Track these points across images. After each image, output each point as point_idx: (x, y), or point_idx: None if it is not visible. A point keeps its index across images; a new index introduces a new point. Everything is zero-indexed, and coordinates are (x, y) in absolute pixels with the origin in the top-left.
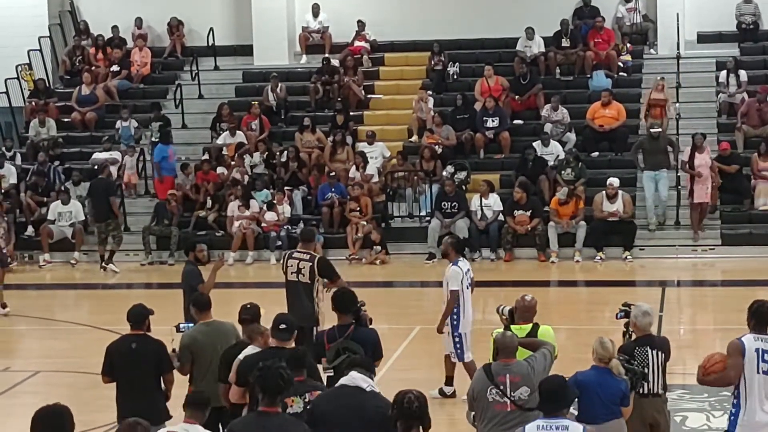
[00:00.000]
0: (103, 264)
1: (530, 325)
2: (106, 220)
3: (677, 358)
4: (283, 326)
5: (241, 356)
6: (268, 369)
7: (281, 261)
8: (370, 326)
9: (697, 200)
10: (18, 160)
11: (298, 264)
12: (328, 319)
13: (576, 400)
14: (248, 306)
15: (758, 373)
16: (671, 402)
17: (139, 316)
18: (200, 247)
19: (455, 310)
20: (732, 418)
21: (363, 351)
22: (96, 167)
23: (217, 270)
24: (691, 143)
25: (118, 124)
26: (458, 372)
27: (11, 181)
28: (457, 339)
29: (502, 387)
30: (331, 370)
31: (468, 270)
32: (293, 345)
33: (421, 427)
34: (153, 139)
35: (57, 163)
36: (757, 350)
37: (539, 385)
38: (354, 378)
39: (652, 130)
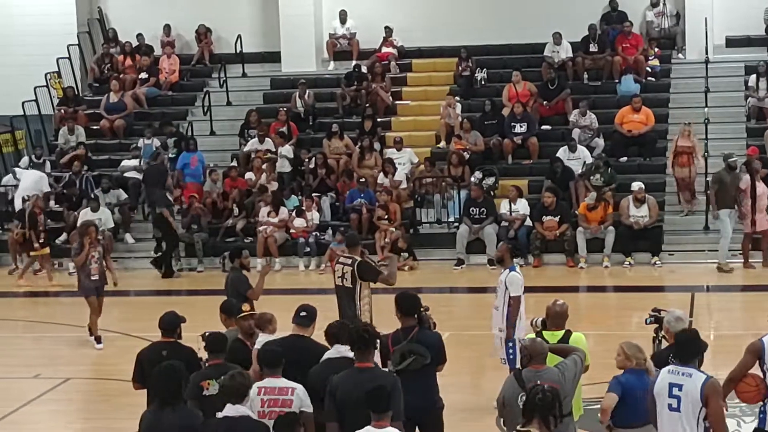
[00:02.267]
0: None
1: (562, 331)
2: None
3: (708, 364)
4: (303, 313)
5: (257, 345)
6: (353, 328)
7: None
8: (435, 330)
9: (760, 228)
10: (47, 167)
11: (342, 269)
12: (378, 324)
13: (619, 403)
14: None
15: None
16: None
17: (171, 323)
18: (245, 253)
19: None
20: (761, 415)
21: (428, 353)
22: (123, 173)
23: (265, 275)
24: (746, 170)
25: (140, 142)
26: (492, 378)
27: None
28: (510, 345)
29: None
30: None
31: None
32: (312, 332)
33: (542, 422)
34: (170, 155)
35: (86, 169)
36: None
37: (676, 336)
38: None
39: (730, 161)
